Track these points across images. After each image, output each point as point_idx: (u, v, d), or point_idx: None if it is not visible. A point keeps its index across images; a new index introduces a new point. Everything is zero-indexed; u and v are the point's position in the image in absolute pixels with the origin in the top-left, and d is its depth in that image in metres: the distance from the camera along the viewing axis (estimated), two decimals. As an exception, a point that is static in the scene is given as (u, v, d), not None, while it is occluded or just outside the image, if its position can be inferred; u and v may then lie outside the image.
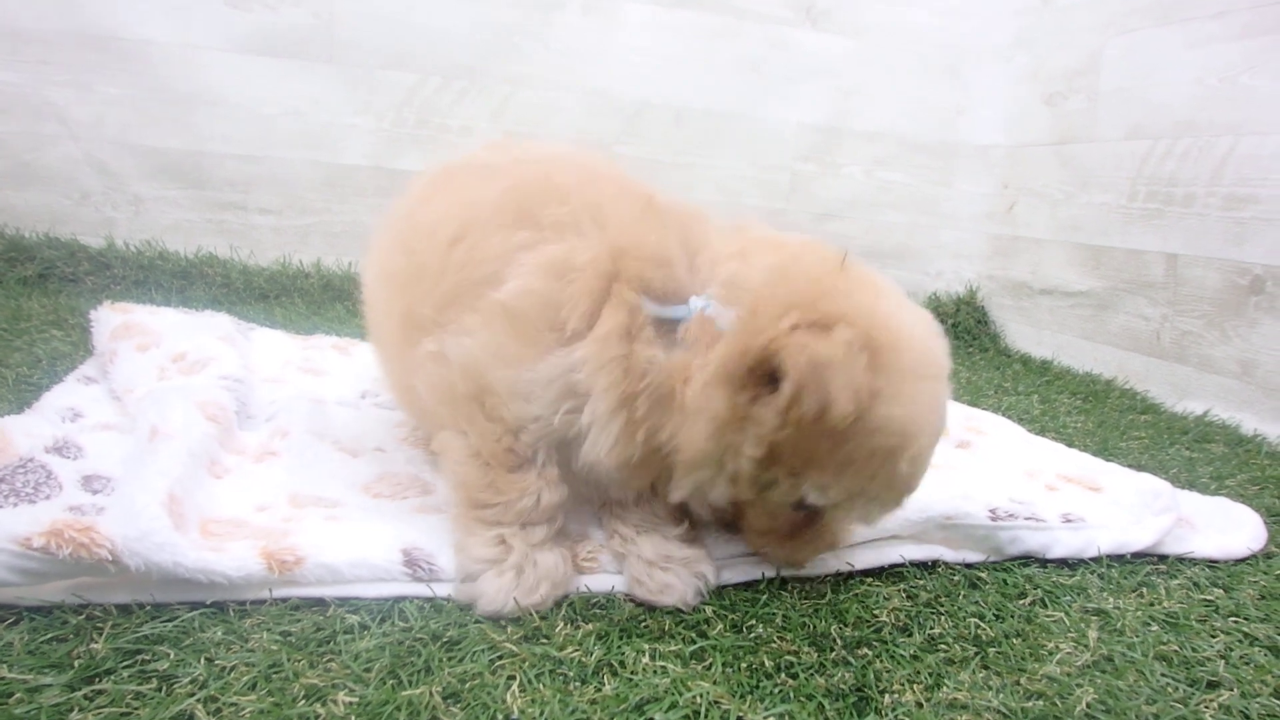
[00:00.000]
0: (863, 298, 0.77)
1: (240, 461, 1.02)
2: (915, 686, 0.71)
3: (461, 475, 0.85)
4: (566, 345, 0.80)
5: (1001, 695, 0.70)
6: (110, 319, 1.41)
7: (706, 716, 0.65)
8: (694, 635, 0.76)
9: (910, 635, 0.79)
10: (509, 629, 0.74)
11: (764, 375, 0.73)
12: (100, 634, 0.68)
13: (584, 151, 1.03)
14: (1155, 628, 0.84)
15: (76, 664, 0.64)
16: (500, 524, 0.83)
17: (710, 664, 0.72)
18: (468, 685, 0.66)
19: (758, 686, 0.69)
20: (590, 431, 0.81)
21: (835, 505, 0.79)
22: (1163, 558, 1.01)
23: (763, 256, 0.81)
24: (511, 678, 0.68)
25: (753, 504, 0.83)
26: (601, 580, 0.85)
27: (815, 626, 0.79)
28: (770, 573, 0.88)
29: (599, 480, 0.86)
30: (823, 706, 0.67)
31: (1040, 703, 0.70)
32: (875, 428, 0.73)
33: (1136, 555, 1.00)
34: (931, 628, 0.80)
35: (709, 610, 0.80)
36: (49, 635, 0.67)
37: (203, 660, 0.66)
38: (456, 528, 0.84)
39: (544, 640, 0.73)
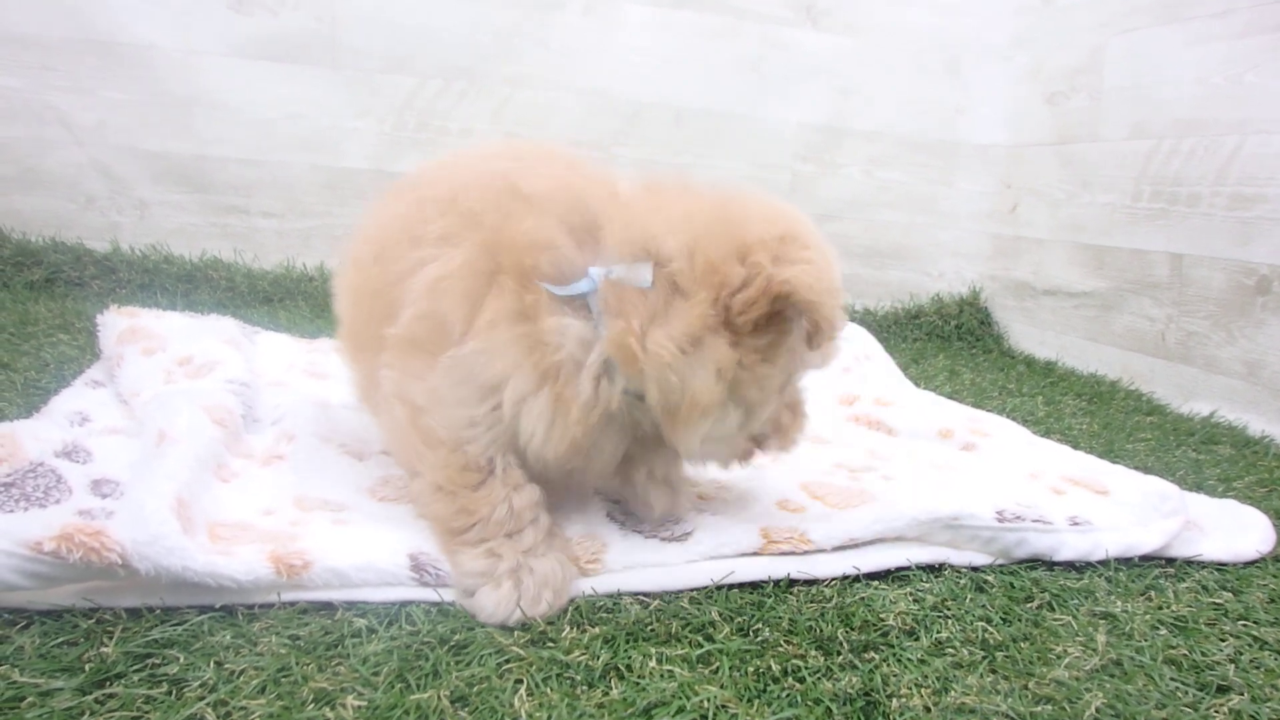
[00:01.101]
0: (765, 211, 0.83)
1: (247, 465, 1.02)
2: (923, 691, 0.71)
3: (432, 511, 0.85)
4: (454, 346, 0.81)
5: (1010, 700, 0.70)
6: (116, 323, 1.42)
7: (715, 721, 0.65)
8: (700, 639, 0.76)
9: (917, 639, 0.79)
10: (516, 633, 0.74)
11: (775, 314, 0.78)
12: (110, 638, 0.68)
13: (521, 145, 1.04)
14: (1164, 631, 0.84)
15: (87, 668, 0.64)
16: (484, 540, 0.82)
17: (717, 668, 0.72)
18: (475, 689, 0.66)
19: (765, 691, 0.69)
20: (521, 419, 0.81)
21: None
22: (1171, 561, 1.00)
23: (650, 213, 0.82)
24: (519, 682, 0.68)
25: (746, 425, 0.85)
26: (607, 581, 0.85)
27: (822, 630, 0.79)
28: (776, 575, 0.88)
29: (561, 471, 0.86)
30: (830, 711, 0.67)
31: (1049, 707, 0.70)
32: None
33: (1144, 558, 1.00)
34: (938, 631, 0.80)
35: (715, 614, 0.80)
36: (60, 639, 0.68)
37: (212, 664, 0.66)
38: (444, 554, 0.84)
39: (551, 644, 0.73)
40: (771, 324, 0.79)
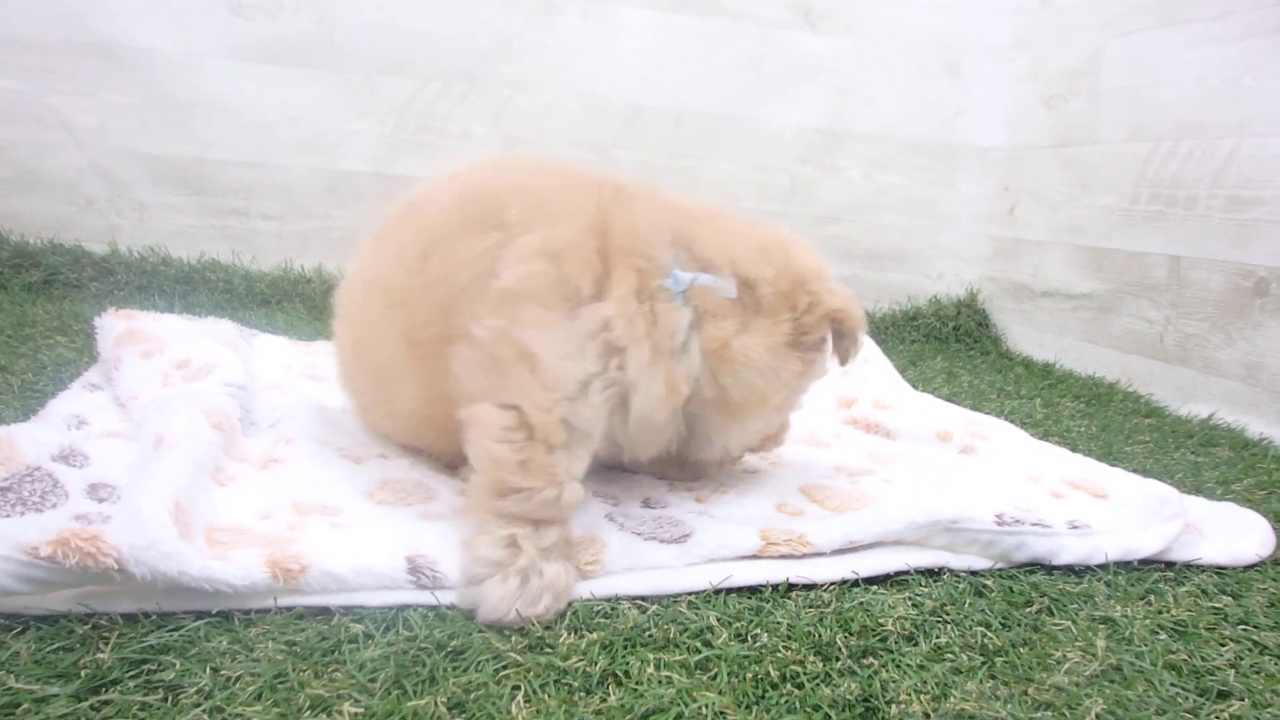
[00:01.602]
0: (808, 251, 1.00)
1: (244, 469, 1.02)
2: (922, 697, 0.70)
3: (493, 451, 0.83)
4: (589, 305, 0.86)
5: (1010, 705, 0.70)
6: (114, 325, 1.41)
7: (713, 727, 0.64)
8: (699, 645, 0.76)
9: (916, 644, 0.79)
10: (513, 638, 0.74)
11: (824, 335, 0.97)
12: (106, 643, 0.68)
13: (527, 158, 1.12)
14: (1164, 636, 0.84)
15: (83, 674, 0.64)
16: (515, 520, 0.82)
17: (715, 674, 0.71)
18: (472, 695, 0.66)
19: (764, 697, 0.69)
20: (639, 383, 0.88)
21: None
22: (1170, 564, 1.00)
23: (727, 235, 0.97)
24: (516, 688, 0.67)
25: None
26: (605, 585, 0.84)
27: (820, 635, 0.78)
28: (775, 580, 0.87)
29: (632, 442, 0.95)
30: (829, 717, 0.67)
31: (1049, 713, 0.70)
32: None
33: (1144, 562, 0.99)
34: (938, 636, 0.80)
35: (713, 619, 0.80)
36: (55, 645, 0.67)
37: (208, 670, 0.66)
38: (468, 521, 0.84)
39: (548, 650, 0.73)
40: (820, 342, 0.98)
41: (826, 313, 0.95)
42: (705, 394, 0.94)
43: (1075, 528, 0.99)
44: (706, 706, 0.66)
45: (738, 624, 0.79)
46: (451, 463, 1.04)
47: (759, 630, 0.79)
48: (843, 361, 1.01)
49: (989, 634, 0.81)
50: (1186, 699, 0.74)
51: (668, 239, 0.93)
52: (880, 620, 0.82)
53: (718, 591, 0.86)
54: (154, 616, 0.72)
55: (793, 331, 0.94)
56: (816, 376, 1.02)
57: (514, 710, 0.64)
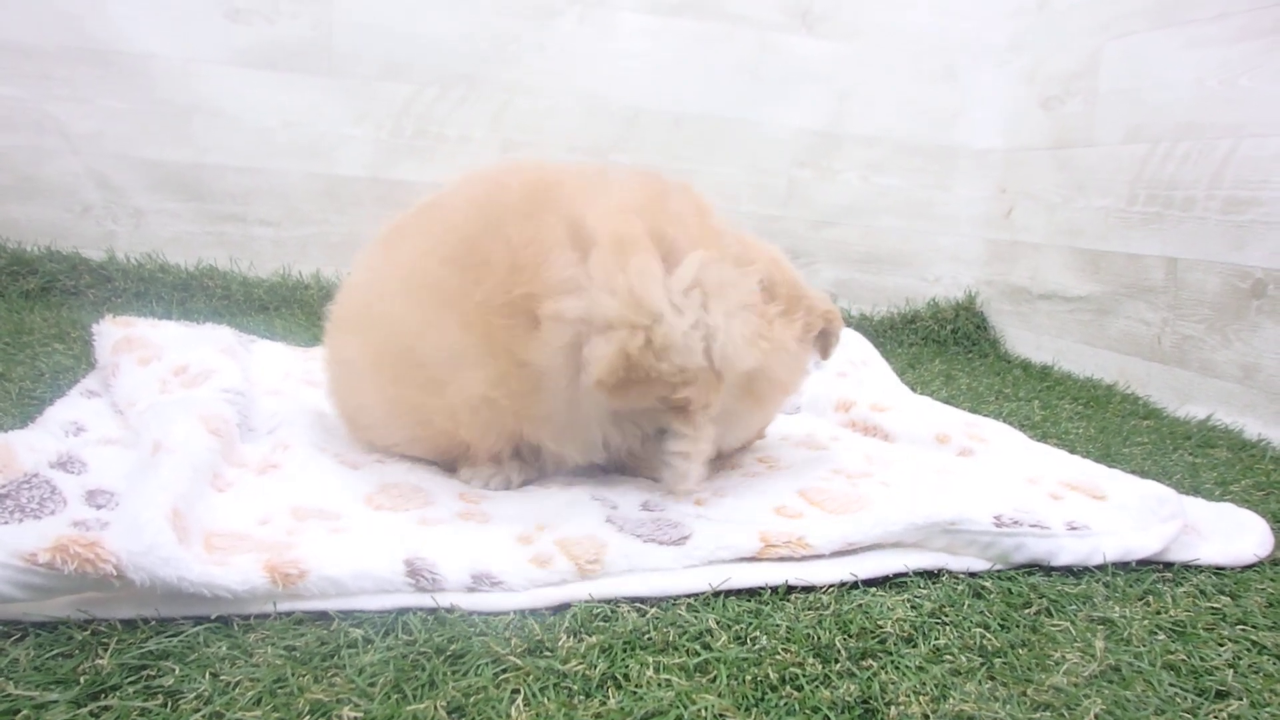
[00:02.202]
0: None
1: (242, 474, 1.02)
2: (921, 698, 0.70)
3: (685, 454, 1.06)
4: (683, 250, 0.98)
5: (1009, 706, 0.70)
6: (112, 332, 1.41)
7: (712, 729, 0.64)
8: (698, 647, 0.76)
9: (915, 646, 0.79)
10: (513, 642, 0.74)
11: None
12: (105, 649, 0.68)
13: (533, 164, 1.16)
14: (1162, 636, 0.84)
15: (82, 680, 0.64)
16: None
17: (715, 676, 0.71)
18: (472, 699, 0.66)
19: (763, 699, 0.69)
20: (725, 327, 0.98)
21: None
22: (1168, 565, 1.00)
23: (745, 242, 1.09)
24: (516, 692, 0.67)
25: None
26: (604, 586, 0.84)
27: (819, 638, 0.78)
28: (774, 582, 0.88)
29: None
30: (829, 719, 0.67)
31: (1048, 714, 0.70)
32: None
33: (1142, 563, 0.99)
34: (936, 638, 0.80)
35: (712, 621, 0.80)
36: (54, 651, 0.67)
37: (208, 675, 0.66)
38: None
39: (548, 653, 0.73)
40: (814, 339, 1.13)
41: (822, 313, 1.11)
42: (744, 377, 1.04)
43: (1074, 529, 0.99)
44: (706, 709, 0.66)
45: (737, 626, 0.79)
46: (493, 455, 1.10)
47: (758, 633, 0.79)
48: (824, 356, 1.18)
49: (988, 635, 0.81)
50: (1185, 699, 0.74)
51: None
52: (879, 622, 0.82)
53: (717, 594, 0.86)
54: (153, 622, 0.72)
55: (803, 328, 1.08)
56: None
57: (514, 714, 0.64)
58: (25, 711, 0.60)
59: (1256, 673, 0.79)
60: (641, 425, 1.07)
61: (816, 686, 0.71)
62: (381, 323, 1.07)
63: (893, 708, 0.69)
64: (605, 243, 0.96)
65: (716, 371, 1.00)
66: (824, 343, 1.15)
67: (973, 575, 0.95)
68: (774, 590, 0.87)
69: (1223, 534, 1.07)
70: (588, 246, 0.96)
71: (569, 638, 0.75)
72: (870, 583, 0.91)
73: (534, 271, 0.96)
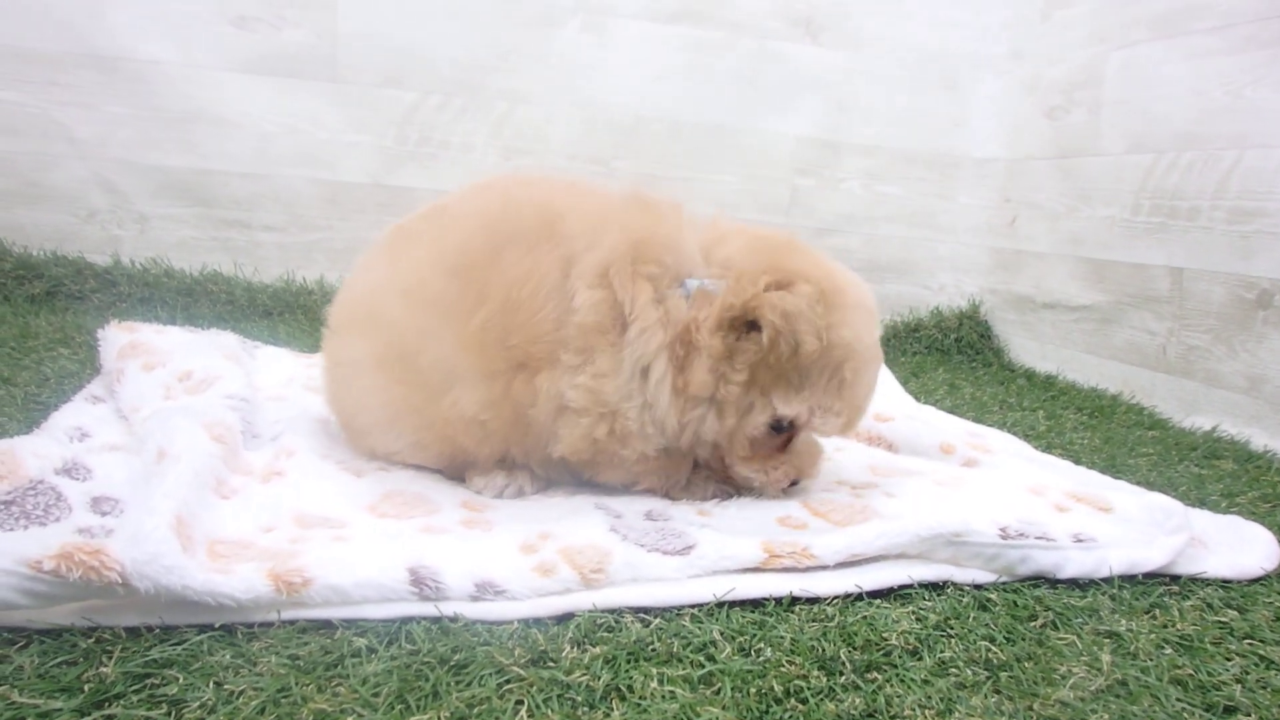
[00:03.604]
0: (811, 261, 1.05)
1: (246, 482, 1.02)
2: (927, 712, 0.70)
3: (647, 486, 1.11)
4: (626, 332, 0.99)
5: None
6: (117, 338, 1.42)
7: (717, 742, 0.64)
8: (702, 659, 0.75)
9: (920, 659, 0.79)
10: (516, 652, 0.74)
11: (748, 323, 0.99)
12: (110, 657, 0.68)
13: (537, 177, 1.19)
14: (1169, 650, 0.83)
15: (86, 688, 0.64)
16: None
17: (719, 689, 0.71)
18: (475, 710, 0.66)
19: (767, 712, 0.69)
20: (652, 385, 1.00)
21: (802, 423, 1.04)
22: (1175, 578, 1.00)
23: (736, 239, 1.06)
24: (520, 702, 0.67)
25: (736, 437, 1.04)
26: (608, 596, 0.84)
27: (824, 650, 0.78)
28: (778, 593, 0.87)
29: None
30: (834, 731, 0.67)
31: (1053, 727, 0.70)
32: (829, 345, 0.99)
33: (1148, 575, 0.99)
34: (942, 651, 0.80)
35: (716, 633, 0.79)
36: (59, 659, 0.67)
37: (211, 684, 0.66)
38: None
39: (551, 664, 0.73)
40: (742, 328, 1.05)
41: (743, 301, 1.04)
42: None
43: (1080, 541, 0.99)
44: (711, 722, 0.66)
45: (741, 638, 0.79)
46: (505, 462, 1.12)
47: (762, 644, 0.78)
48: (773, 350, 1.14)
49: (993, 648, 0.81)
50: (1193, 714, 0.73)
51: (689, 245, 1.04)
52: (884, 634, 0.81)
53: (721, 605, 0.85)
54: (157, 630, 0.72)
55: (720, 314, 1.05)
56: (748, 359, 1.09)
57: (517, 725, 0.64)
58: (30, 719, 0.60)
59: (1264, 688, 0.79)
60: None
61: (821, 699, 0.71)
62: (385, 324, 1.08)
63: (898, 721, 0.69)
64: (580, 319, 0.98)
65: (680, 449, 1.06)
66: (766, 334, 0.98)
67: (978, 587, 0.94)
68: (778, 601, 0.87)
69: (1229, 547, 1.06)
70: (570, 303, 0.99)
71: (572, 648, 0.75)
72: (875, 594, 0.91)
73: (527, 315, 0.99)
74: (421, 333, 1.04)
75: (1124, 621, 0.88)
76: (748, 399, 1.02)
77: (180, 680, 0.66)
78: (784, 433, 1.07)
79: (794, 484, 1.11)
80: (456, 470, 1.13)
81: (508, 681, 0.70)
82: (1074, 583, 0.97)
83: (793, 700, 0.70)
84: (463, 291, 1.01)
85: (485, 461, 1.10)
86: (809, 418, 1.03)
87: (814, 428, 1.06)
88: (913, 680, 0.75)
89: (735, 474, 1.10)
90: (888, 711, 0.70)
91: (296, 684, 0.67)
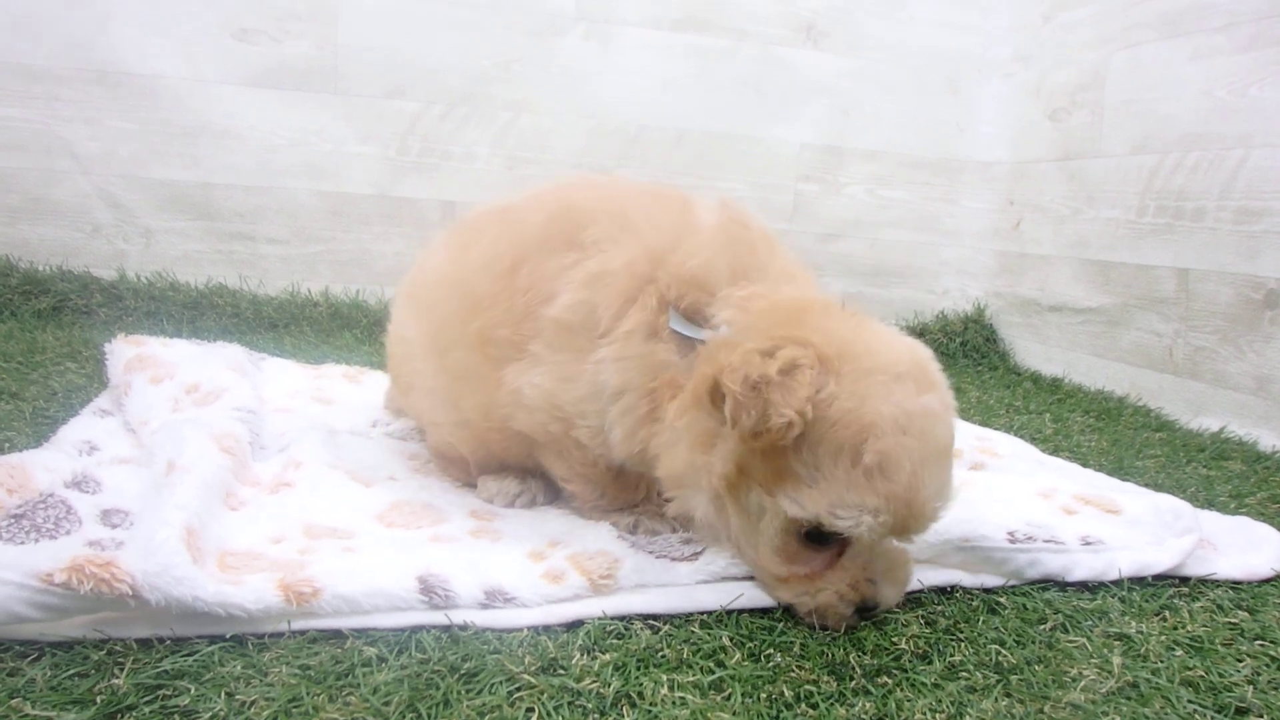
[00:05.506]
0: (834, 325, 0.84)
1: (255, 493, 1.02)
2: (937, 716, 0.70)
3: (573, 490, 1.04)
4: (597, 346, 0.92)
5: (1026, 723, 0.70)
6: (124, 351, 1.42)
7: (728, 748, 0.64)
8: (712, 665, 0.75)
9: (930, 663, 0.78)
10: (526, 660, 0.74)
11: (719, 397, 0.80)
12: (121, 669, 0.68)
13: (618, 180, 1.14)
14: (1180, 652, 0.83)
15: (99, 700, 0.64)
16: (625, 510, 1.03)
17: (730, 694, 0.71)
18: (486, 718, 0.66)
19: (778, 718, 0.69)
20: (614, 414, 0.92)
21: (838, 529, 0.79)
22: (1184, 580, 1.00)
23: (771, 296, 0.89)
24: (530, 710, 0.67)
25: (759, 544, 0.84)
26: (618, 603, 0.84)
27: (834, 655, 0.78)
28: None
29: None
30: (845, 737, 0.67)
31: (1065, 730, 0.69)
32: (833, 422, 0.77)
33: (1158, 578, 0.99)
34: (952, 655, 0.80)
35: (726, 639, 0.79)
36: (71, 671, 0.67)
37: (223, 695, 0.66)
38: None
39: (561, 671, 0.73)
40: (715, 405, 0.91)
41: (713, 373, 0.91)
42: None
43: (1088, 544, 0.99)
44: (721, 728, 0.66)
45: (750, 644, 0.79)
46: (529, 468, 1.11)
47: (772, 650, 0.78)
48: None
49: (1003, 652, 0.81)
50: (1204, 716, 0.73)
51: (723, 284, 0.92)
52: (894, 639, 0.81)
53: (730, 611, 0.85)
54: (168, 642, 0.72)
55: (695, 388, 0.97)
56: (730, 447, 0.92)
57: (528, 733, 0.64)
58: (42, 733, 0.61)
59: (1276, 689, 0.78)
60: None
61: (832, 704, 0.71)
62: (434, 314, 1.10)
63: (909, 726, 0.68)
64: (557, 314, 0.94)
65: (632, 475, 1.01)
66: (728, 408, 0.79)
67: (987, 591, 0.94)
68: (787, 606, 0.87)
69: (1238, 548, 1.06)
70: (556, 298, 0.96)
71: (582, 655, 0.75)
72: (884, 599, 0.90)
73: (521, 308, 0.97)
74: (454, 330, 1.05)
75: (1134, 623, 0.88)
76: (750, 498, 0.83)
77: (192, 691, 0.66)
78: (826, 544, 0.83)
79: (868, 610, 0.83)
80: (491, 466, 1.14)
81: (518, 689, 0.70)
82: (1083, 585, 0.97)
83: (803, 705, 0.70)
84: (496, 295, 1.00)
85: (514, 463, 1.11)
86: (835, 521, 0.78)
87: (855, 534, 0.79)
88: (923, 684, 0.75)
89: (776, 599, 0.87)
90: (898, 716, 0.70)
91: (308, 694, 0.67)
